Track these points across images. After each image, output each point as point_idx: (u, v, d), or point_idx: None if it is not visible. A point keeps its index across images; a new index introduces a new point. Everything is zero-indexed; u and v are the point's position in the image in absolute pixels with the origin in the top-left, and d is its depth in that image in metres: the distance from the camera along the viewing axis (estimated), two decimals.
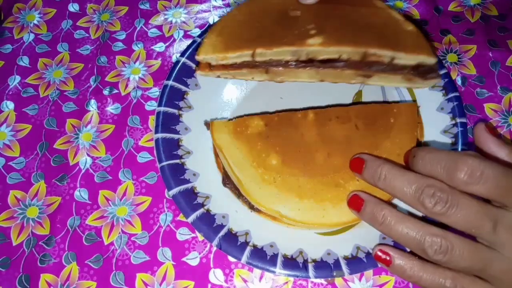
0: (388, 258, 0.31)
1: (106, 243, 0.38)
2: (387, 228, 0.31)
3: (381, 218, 0.31)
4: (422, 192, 0.29)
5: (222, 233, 0.35)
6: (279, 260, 0.34)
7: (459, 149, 0.38)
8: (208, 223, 0.36)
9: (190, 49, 0.43)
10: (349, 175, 0.35)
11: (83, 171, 0.41)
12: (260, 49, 0.35)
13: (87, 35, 0.48)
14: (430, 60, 0.37)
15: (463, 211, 0.28)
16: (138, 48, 0.47)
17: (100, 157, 0.41)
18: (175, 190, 0.37)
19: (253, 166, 0.36)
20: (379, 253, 0.32)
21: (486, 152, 0.32)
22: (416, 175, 0.30)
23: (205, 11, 0.50)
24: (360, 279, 0.36)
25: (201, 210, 0.36)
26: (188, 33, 0.48)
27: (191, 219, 0.36)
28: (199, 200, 0.37)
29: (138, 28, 0.48)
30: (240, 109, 0.42)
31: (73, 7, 0.50)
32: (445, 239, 0.28)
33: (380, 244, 0.33)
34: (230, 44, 0.37)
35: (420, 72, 0.38)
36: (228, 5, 0.50)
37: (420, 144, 0.39)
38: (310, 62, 0.37)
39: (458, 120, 0.39)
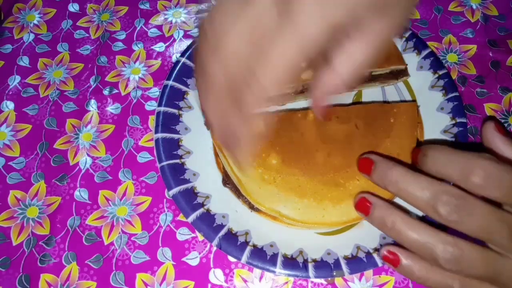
0: (396, 259, 0.31)
1: (106, 243, 0.38)
2: (396, 234, 0.30)
3: (390, 224, 0.30)
4: (437, 199, 0.27)
5: (222, 233, 0.35)
6: (279, 260, 0.34)
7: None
8: (208, 223, 0.36)
9: (190, 49, 0.43)
10: (349, 174, 0.35)
11: (83, 171, 0.41)
12: None
13: (87, 35, 0.48)
14: (401, 67, 0.42)
15: (479, 219, 0.27)
16: (138, 48, 0.47)
17: (100, 157, 0.41)
18: (175, 190, 0.37)
19: (253, 166, 0.36)
20: (386, 254, 0.31)
21: (493, 151, 0.32)
22: (429, 180, 0.29)
23: (205, 11, 0.49)
24: (360, 279, 0.36)
25: (201, 210, 0.36)
26: (188, 33, 0.48)
27: (191, 219, 0.36)
28: (199, 200, 0.37)
29: (138, 28, 0.48)
30: None
31: (73, 7, 0.50)
32: (457, 248, 0.27)
33: (387, 244, 0.32)
34: None
35: (394, 74, 0.42)
36: None
37: (420, 144, 0.39)
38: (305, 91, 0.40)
39: (458, 120, 0.39)
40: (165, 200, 0.39)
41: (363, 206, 0.32)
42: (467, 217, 0.27)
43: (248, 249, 0.35)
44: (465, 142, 0.39)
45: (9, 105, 0.44)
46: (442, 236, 0.28)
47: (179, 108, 0.41)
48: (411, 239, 0.29)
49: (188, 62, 0.42)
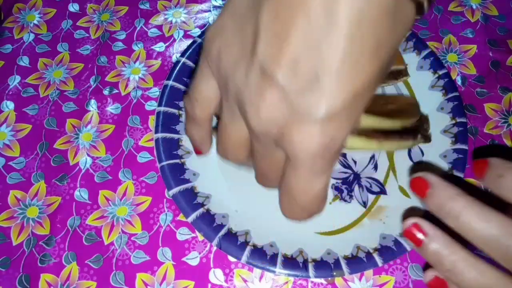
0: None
1: (106, 243, 0.38)
2: (456, 277, 0.25)
3: (448, 264, 0.25)
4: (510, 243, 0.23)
5: (222, 232, 0.35)
6: (279, 259, 0.34)
7: (457, 149, 0.38)
8: (208, 223, 0.36)
9: (190, 49, 0.43)
10: None
11: (83, 171, 0.41)
12: None
13: (87, 35, 0.48)
14: (401, 67, 0.42)
15: None
16: (138, 48, 0.47)
17: (100, 157, 0.41)
18: (175, 190, 0.37)
19: None
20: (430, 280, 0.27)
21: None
22: (504, 219, 0.23)
23: (205, 11, 0.50)
24: (360, 279, 0.36)
25: (201, 210, 0.36)
26: (188, 33, 0.48)
27: (191, 219, 0.36)
28: (199, 200, 0.37)
29: (138, 28, 0.48)
30: None
31: (73, 7, 0.50)
32: None
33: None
34: None
35: (394, 74, 0.42)
36: None
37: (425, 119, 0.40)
38: None
39: (458, 120, 0.39)
40: (165, 200, 0.39)
41: (414, 235, 0.26)
42: None
43: (248, 249, 0.35)
44: None
45: (9, 105, 0.44)
46: (509, 285, 0.23)
47: (179, 108, 0.41)
48: (474, 282, 0.24)
49: (188, 62, 0.42)
